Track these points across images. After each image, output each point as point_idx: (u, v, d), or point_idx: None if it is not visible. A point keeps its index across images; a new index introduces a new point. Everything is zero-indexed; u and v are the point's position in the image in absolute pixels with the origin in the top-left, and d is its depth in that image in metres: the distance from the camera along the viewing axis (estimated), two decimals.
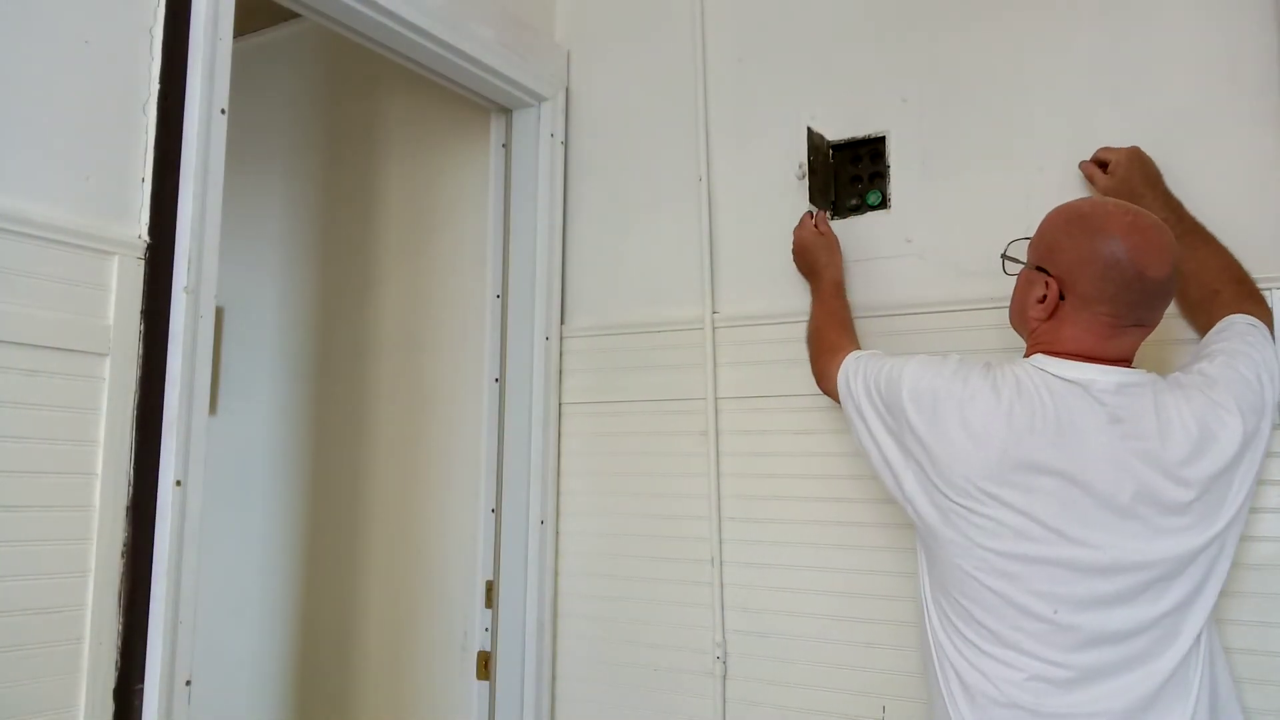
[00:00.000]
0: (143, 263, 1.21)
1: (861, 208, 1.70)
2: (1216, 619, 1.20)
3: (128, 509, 1.18)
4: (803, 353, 1.59)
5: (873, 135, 1.70)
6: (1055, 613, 1.12)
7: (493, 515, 1.93)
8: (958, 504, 1.16)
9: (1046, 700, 1.12)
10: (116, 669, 1.16)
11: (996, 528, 1.14)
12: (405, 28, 1.63)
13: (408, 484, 2.16)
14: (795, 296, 1.71)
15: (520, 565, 1.88)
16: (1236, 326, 1.25)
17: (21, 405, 1.09)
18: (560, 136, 2.00)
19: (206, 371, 1.27)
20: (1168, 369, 1.24)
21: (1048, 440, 1.13)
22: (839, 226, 1.70)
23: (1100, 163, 1.46)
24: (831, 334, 1.50)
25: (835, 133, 1.73)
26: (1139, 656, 1.12)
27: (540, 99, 1.97)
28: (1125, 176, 1.40)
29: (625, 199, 1.95)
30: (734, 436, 1.75)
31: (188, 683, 1.22)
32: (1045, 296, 1.20)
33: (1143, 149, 1.43)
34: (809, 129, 1.69)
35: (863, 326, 1.59)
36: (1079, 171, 1.50)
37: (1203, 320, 1.33)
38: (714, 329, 1.79)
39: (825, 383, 1.45)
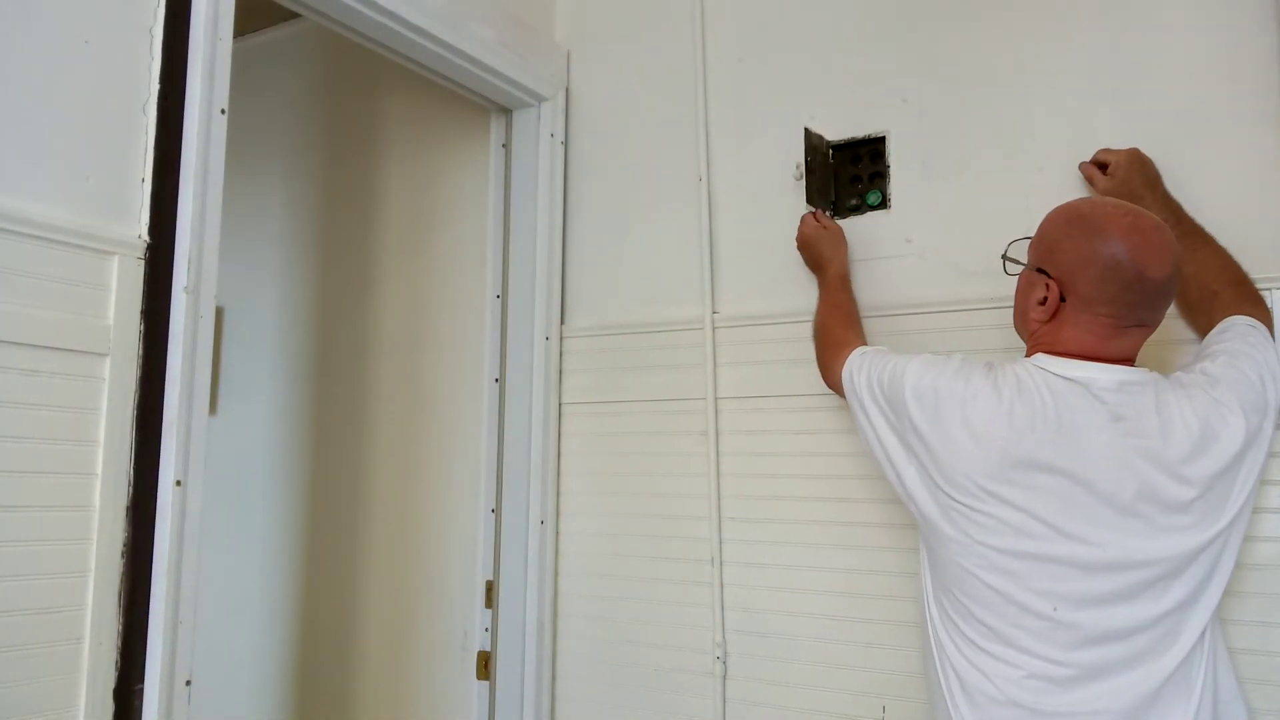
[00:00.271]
0: (143, 263, 1.21)
1: (861, 208, 1.70)
2: (1219, 618, 1.20)
3: (128, 509, 1.18)
4: (803, 352, 1.59)
5: (873, 135, 1.70)
6: (1055, 610, 1.12)
7: (493, 515, 1.93)
8: (959, 502, 1.16)
9: (1046, 698, 1.12)
10: (116, 669, 1.16)
11: (997, 525, 1.14)
12: (405, 28, 1.63)
13: (408, 484, 2.16)
14: (795, 296, 1.71)
15: (520, 565, 1.88)
16: (1237, 327, 1.25)
17: (21, 405, 1.09)
18: (560, 136, 2.01)
19: (206, 371, 1.27)
20: (1169, 369, 1.24)
21: (1049, 438, 1.13)
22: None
23: (1100, 164, 1.45)
24: (836, 329, 1.50)
25: (835, 133, 1.73)
26: (1140, 655, 1.12)
27: (540, 99, 1.97)
28: (1125, 178, 1.40)
29: (625, 199, 1.95)
30: (734, 436, 1.75)
31: (188, 683, 1.22)
32: (1046, 299, 1.20)
33: (1142, 150, 1.43)
34: (806, 129, 1.69)
35: (864, 326, 1.59)
36: (1079, 172, 1.50)
37: (1202, 322, 1.33)
38: (714, 329, 1.79)
39: (829, 376, 1.46)
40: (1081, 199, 1.27)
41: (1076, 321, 1.18)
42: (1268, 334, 1.26)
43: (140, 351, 1.20)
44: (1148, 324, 1.18)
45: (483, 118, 2.05)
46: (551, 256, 1.96)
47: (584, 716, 1.85)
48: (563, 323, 1.97)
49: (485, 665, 1.89)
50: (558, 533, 1.91)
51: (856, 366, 1.35)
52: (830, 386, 1.47)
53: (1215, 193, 1.40)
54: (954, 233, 1.61)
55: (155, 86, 1.25)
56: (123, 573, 1.17)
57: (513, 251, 1.99)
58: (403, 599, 2.12)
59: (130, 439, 1.19)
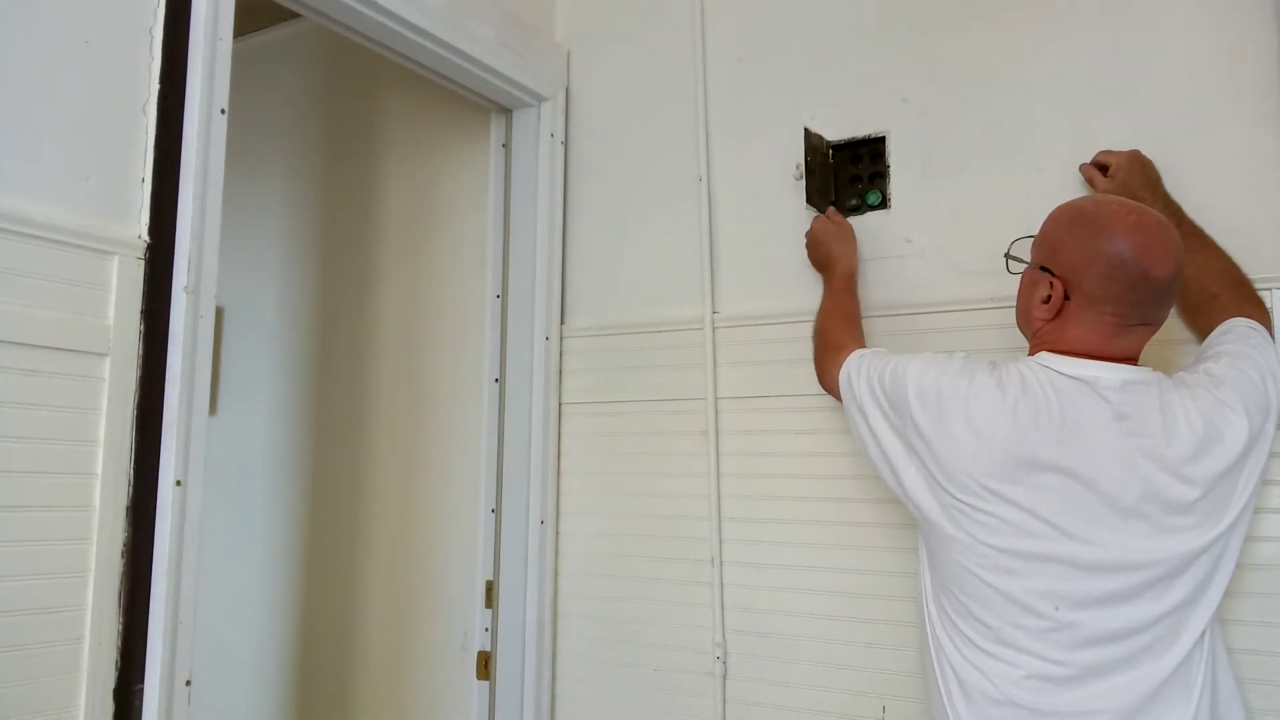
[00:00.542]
0: (143, 263, 1.21)
1: (861, 208, 1.70)
2: (1219, 619, 1.20)
3: (128, 509, 1.18)
4: (803, 352, 1.59)
5: (873, 135, 1.70)
6: (1056, 610, 1.12)
7: (493, 515, 1.93)
8: (961, 501, 1.16)
9: (1045, 698, 1.12)
10: (116, 669, 1.16)
11: (999, 525, 1.14)
12: (405, 28, 1.63)
13: (408, 484, 2.16)
14: (795, 296, 1.71)
15: (520, 565, 1.88)
16: (1238, 329, 1.25)
17: (21, 405, 1.09)
18: (560, 136, 2.00)
19: (206, 371, 1.27)
20: (1171, 368, 1.24)
21: (1052, 437, 1.13)
22: None
23: (1100, 166, 1.45)
24: (836, 331, 1.50)
25: (835, 133, 1.73)
26: (1140, 655, 1.12)
27: (540, 99, 1.97)
28: (1125, 180, 1.40)
29: (625, 199, 1.95)
30: (734, 436, 1.75)
31: (188, 683, 1.21)
32: (1050, 297, 1.20)
33: (1142, 150, 1.43)
34: (806, 129, 1.69)
35: (864, 326, 1.59)
36: (1079, 173, 1.49)
37: (1201, 323, 1.33)
38: (714, 329, 1.79)
39: (826, 379, 1.45)
40: (1086, 197, 1.27)
41: (1080, 320, 1.17)
42: (1268, 336, 1.26)
43: (140, 351, 1.20)
44: (1152, 323, 1.18)
45: (483, 118, 2.05)
46: (551, 256, 1.96)
47: (584, 716, 1.85)
48: (563, 323, 1.97)
49: (485, 665, 1.89)
50: (558, 533, 1.91)
51: (855, 369, 1.35)
52: (826, 389, 1.46)
53: (1215, 193, 1.40)
54: (954, 233, 1.61)
55: (155, 86, 1.25)
56: (123, 573, 1.17)
57: (513, 251, 1.99)
58: (403, 599, 2.12)
59: (130, 439, 1.19)
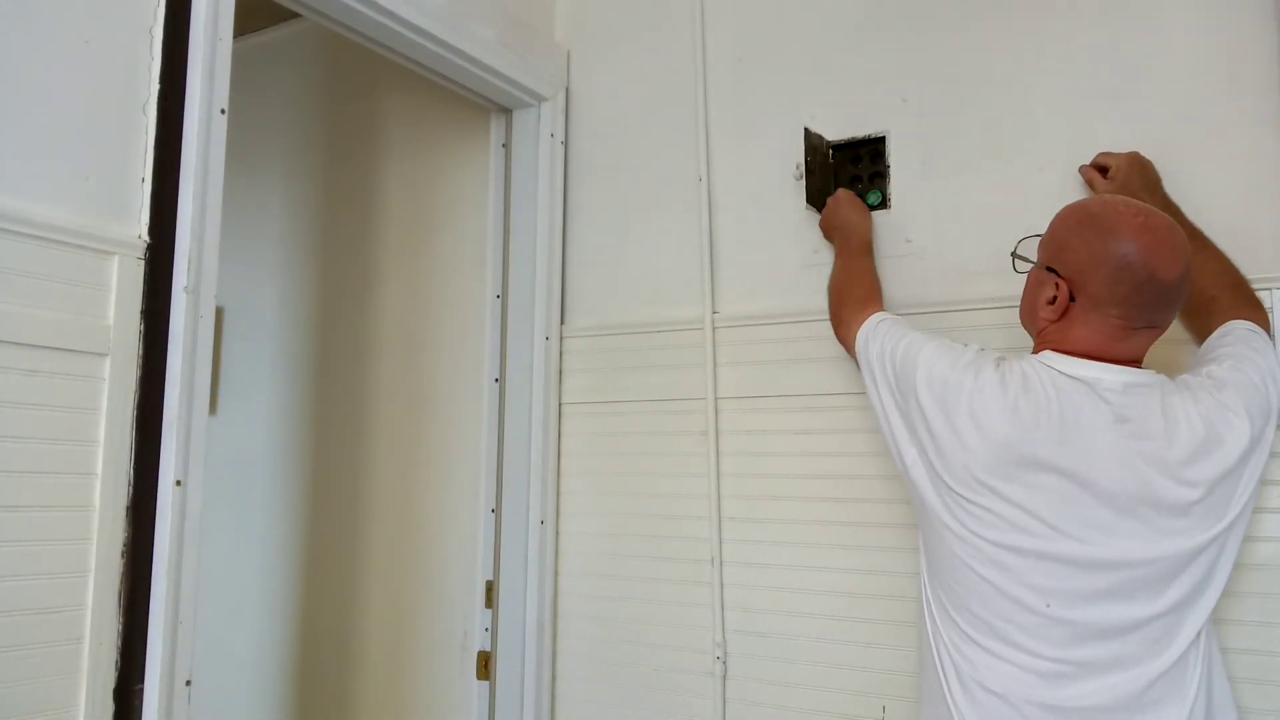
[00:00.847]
0: (143, 263, 1.21)
1: None
2: (1218, 619, 1.20)
3: (128, 509, 1.18)
4: (803, 352, 1.59)
5: (873, 135, 1.70)
6: (1049, 606, 1.12)
7: (493, 515, 1.93)
8: (957, 493, 1.17)
9: (1038, 693, 1.12)
10: (116, 669, 1.16)
11: (993, 520, 1.14)
12: (405, 28, 1.63)
13: (408, 484, 2.16)
14: (795, 296, 1.71)
15: (520, 565, 1.88)
16: (1238, 331, 1.25)
17: (21, 405, 1.09)
18: (560, 136, 2.00)
19: (206, 371, 1.27)
20: (1176, 369, 1.24)
21: (1052, 437, 1.13)
22: None
23: (1100, 167, 1.45)
24: (860, 286, 1.50)
25: (835, 133, 1.73)
26: (1134, 654, 1.12)
27: (540, 99, 1.97)
28: (1125, 182, 1.40)
29: (625, 199, 1.95)
30: (734, 436, 1.75)
31: (188, 683, 1.21)
32: (1055, 298, 1.19)
33: (1142, 151, 1.43)
34: (806, 129, 1.69)
35: None
36: (1079, 174, 1.49)
37: (1200, 325, 1.33)
38: (714, 329, 1.79)
39: (844, 331, 1.45)
40: (1093, 198, 1.27)
41: (1086, 321, 1.17)
42: (1267, 338, 1.26)
43: (140, 351, 1.20)
44: (1158, 325, 1.18)
45: (483, 118, 2.05)
46: (551, 256, 1.96)
47: (584, 716, 1.85)
48: (563, 323, 1.97)
49: (485, 665, 1.89)
50: (558, 533, 1.91)
51: (872, 333, 1.36)
52: (841, 342, 1.46)
53: (1215, 193, 1.40)
54: (954, 233, 1.61)
55: (155, 86, 1.25)
56: (123, 573, 1.17)
57: (513, 251, 1.99)
58: (403, 599, 2.12)
59: (130, 439, 1.19)
